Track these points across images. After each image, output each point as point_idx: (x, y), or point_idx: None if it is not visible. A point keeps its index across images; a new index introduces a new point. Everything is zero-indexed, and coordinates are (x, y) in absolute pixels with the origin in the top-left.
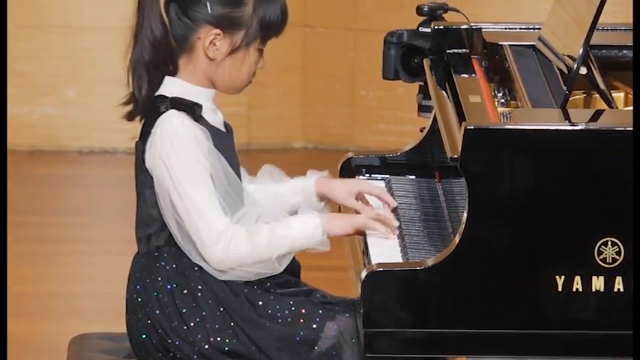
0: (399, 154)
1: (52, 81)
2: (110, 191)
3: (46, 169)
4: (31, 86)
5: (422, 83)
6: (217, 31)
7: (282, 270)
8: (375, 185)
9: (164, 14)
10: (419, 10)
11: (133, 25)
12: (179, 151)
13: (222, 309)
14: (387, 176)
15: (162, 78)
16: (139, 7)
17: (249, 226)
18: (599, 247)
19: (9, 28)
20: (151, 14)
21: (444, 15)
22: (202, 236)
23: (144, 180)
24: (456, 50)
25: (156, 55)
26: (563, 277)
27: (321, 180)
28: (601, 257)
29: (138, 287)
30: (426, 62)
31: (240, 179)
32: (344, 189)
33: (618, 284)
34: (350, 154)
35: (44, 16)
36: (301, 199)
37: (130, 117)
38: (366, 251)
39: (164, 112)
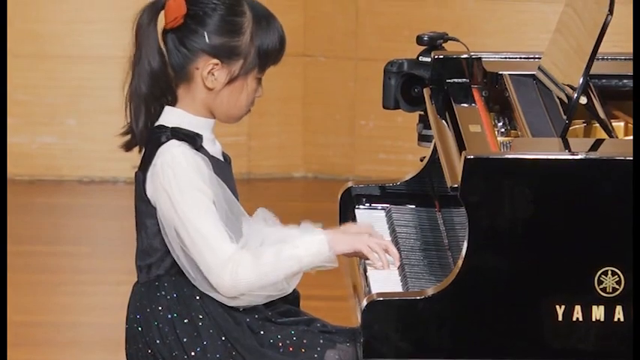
0: (399, 183)
1: (52, 110)
2: (110, 221)
3: (46, 199)
4: (31, 116)
5: (422, 113)
6: (215, 60)
7: (291, 290)
8: (363, 224)
9: (162, 44)
10: (419, 40)
11: (131, 56)
12: (182, 182)
13: (223, 338)
14: (387, 205)
15: (161, 109)
16: (137, 38)
17: (254, 250)
18: (600, 276)
19: (9, 57)
20: (149, 45)
21: (444, 44)
22: (210, 264)
23: (144, 210)
24: (456, 79)
25: (154, 87)
26: (563, 307)
27: None
28: (601, 287)
29: (138, 316)
30: (426, 91)
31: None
32: None
33: (618, 314)
34: (350, 184)
35: (44, 45)
36: None
37: (127, 147)
38: (366, 280)
39: (165, 142)
